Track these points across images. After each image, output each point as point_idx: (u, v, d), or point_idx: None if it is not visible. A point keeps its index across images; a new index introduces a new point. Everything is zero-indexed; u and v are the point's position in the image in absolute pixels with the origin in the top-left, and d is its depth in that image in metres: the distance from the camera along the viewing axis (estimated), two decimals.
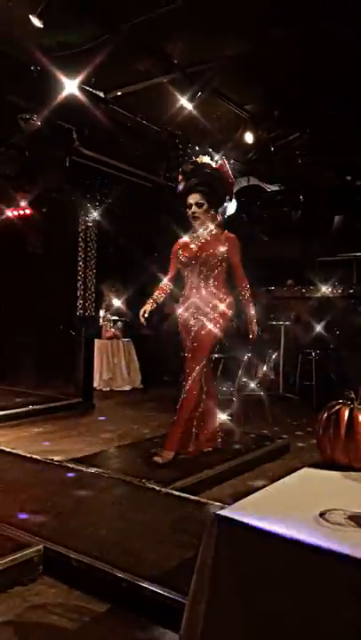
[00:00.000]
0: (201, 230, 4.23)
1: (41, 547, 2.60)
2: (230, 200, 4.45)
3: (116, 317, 9.24)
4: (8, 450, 4.47)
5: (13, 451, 4.43)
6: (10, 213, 7.91)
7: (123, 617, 2.27)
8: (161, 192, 6.94)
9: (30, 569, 2.54)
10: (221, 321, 4.19)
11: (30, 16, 3.24)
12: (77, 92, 4.28)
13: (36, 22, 3.29)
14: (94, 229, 7.08)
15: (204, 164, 4.16)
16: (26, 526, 2.84)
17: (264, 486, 1.71)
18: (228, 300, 4.23)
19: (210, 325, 4.16)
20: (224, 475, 4.04)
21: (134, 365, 8.87)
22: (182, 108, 4.78)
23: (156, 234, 8.84)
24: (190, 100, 4.66)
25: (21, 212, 7.95)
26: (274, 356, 7.80)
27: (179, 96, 4.58)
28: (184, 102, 4.66)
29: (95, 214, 7.01)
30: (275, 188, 7.78)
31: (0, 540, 2.70)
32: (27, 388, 7.50)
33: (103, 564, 2.44)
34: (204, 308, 4.17)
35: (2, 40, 3.71)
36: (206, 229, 4.22)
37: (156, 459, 4.07)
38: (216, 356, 6.69)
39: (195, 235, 4.28)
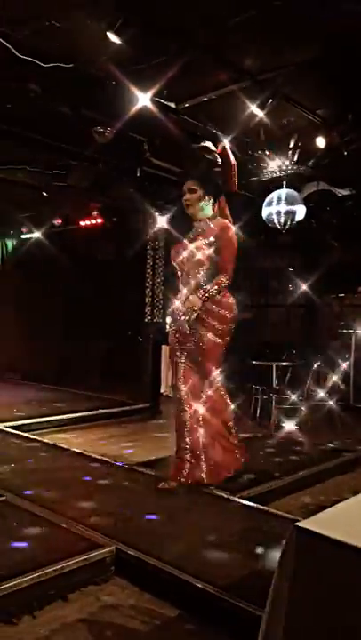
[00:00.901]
0: (196, 224, 3.80)
1: (113, 548, 2.66)
2: (230, 188, 3.80)
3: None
4: (79, 451, 4.60)
5: (85, 452, 4.56)
6: (82, 223, 8.20)
7: (193, 623, 2.28)
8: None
9: (103, 569, 2.60)
10: (219, 326, 3.70)
11: (108, 32, 3.37)
12: (150, 104, 4.38)
13: (114, 38, 3.41)
14: (162, 237, 7.20)
15: (203, 148, 3.74)
16: (98, 527, 2.92)
17: (335, 500, 1.68)
18: (223, 301, 3.71)
19: (209, 335, 3.69)
20: (293, 486, 3.97)
21: None
22: (252, 115, 4.78)
23: None
24: (261, 107, 4.65)
25: (93, 222, 8.22)
26: (344, 365, 7.57)
27: (249, 104, 4.58)
28: (254, 109, 4.65)
29: (164, 222, 7.12)
30: (345, 192, 7.59)
31: (74, 539, 2.79)
32: (96, 393, 7.71)
33: (173, 568, 2.47)
34: (199, 314, 3.64)
35: (79, 56, 3.87)
36: (202, 220, 3.77)
37: (161, 485, 3.65)
38: (284, 364, 6.64)
39: (190, 232, 3.85)
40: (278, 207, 6.51)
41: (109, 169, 6.00)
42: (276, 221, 6.60)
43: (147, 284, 7.18)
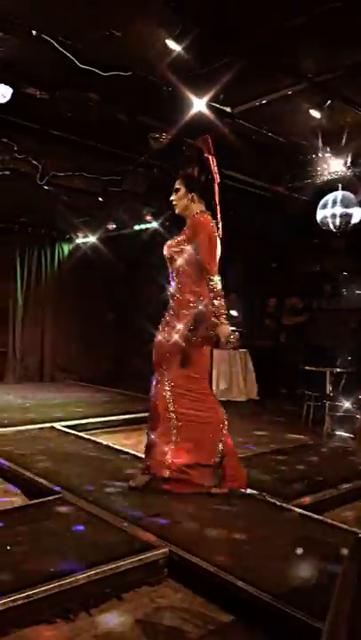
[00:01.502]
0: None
1: (166, 550, 2.68)
2: (208, 179, 3.60)
3: (233, 328, 9.26)
4: (132, 452, 4.67)
5: (137, 454, 4.61)
6: (136, 227, 8.32)
7: (246, 630, 2.27)
8: (282, 203, 6.89)
9: (156, 571, 2.63)
10: (184, 330, 3.51)
11: (167, 40, 3.42)
12: (205, 110, 4.40)
13: (173, 45, 3.45)
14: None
15: (187, 144, 3.68)
16: (152, 529, 2.95)
17: None
18: (193, 305, 3.53)
19: (174, 338, 3.53)
20: (348, 495, 3.87)
21: (251, 376, 8.83)
22: (309, 117, 4.72)
23: (275, 244, 8.79)
24: (318, 109, 4.58)
25: (147, 226, 8.33)
26: None
27: (306, 106, 4.53)
28: (311, 112, 4.60)
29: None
30: None
31: (127, 539, 2.83)
32: (146, 395, 7.77)
33: (227, 574, 2.46)
34: (171, 320, 3.58)
35: (137, 64, 3.94)
36: (188, 217, 3.64)
37: (213, 490, 3.58)
38: (338, 370, 6.49)
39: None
40: (333, 210, 6.38)
41: (164, 174, 6.07)
42: (330, 224, 6.47)
43: None
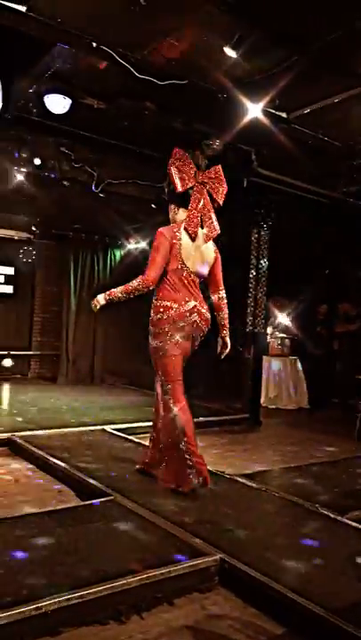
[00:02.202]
0: None
1: (218, 557, 2.66)
2: (171, 190, 3.78)
3: (284, 335, 9.17)
4: None
5: None
6: None
7: None
8: (337, 208, 6.76)
9: (207, 578, 2.61)
10: (151, 330, 3.79)
11: (224, 48, 3.44)
12: (261, 115, 4.38)
13: (230, 53, 3.47)
14: (266, 247, 7.14)
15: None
16: (203, 534, 2.94)
17: None
18: (153, 303, 3.80)
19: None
20: None
21: (301, 384, 8.70)
22: None
23: (327, 250, 8.62)
24: None
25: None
26: None
27: None
28: None
29: (267, 232, 7.07)
30: None
31: (179, 544, 2.83)
32: (197, 400, 7.78)
33: (281, 586, 2.42)
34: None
35: (193, 72, 3.97)
36: None
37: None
38: None
39: None
40: None
41: None
42: None
43: (249, 294, 7.15)
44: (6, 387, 9.07)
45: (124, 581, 2.38)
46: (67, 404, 7.41)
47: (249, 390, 7.03)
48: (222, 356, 4.08)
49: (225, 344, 4.07)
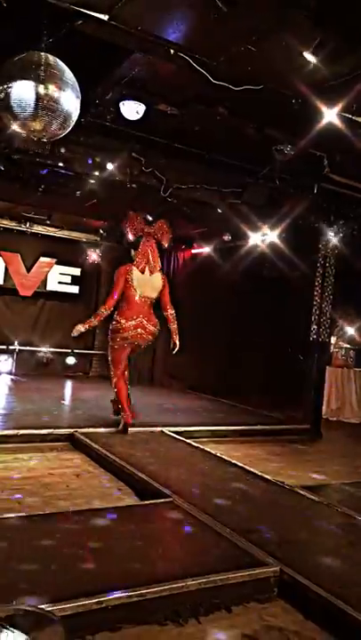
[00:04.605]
0: None
1: (278, 568, 2.62)
2: (127, 239, 5.59)
3: (348, 345, 8.91)
4: (240, 465, 4.64)
5: (246, 467, 4.58)
6: (252, 239, 8.29)
7: None
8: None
9: (266, 588, 2.57)
10: (109, 335, 5.65)
11: (304, 53, 3.39)
12: (336, 121, 4.29)
13: (310, 58, 3.42)
14: (334, 255, 6.97)
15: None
16: (263, 544, 2.90)
17: None
18: (113, 319, 5.53)
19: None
20: None
21: None
22: None
23: None
24: None
25: (262, 238, 8.26)
26: None
27: None
28: None
29: (336, 240, 6.90)
30: None
31: (238, 552, 2.81)
32: (256, 408, 7.71)
33: (342, 602, 2.35)
34: None
35: (270, 78, 3.94)
36: None
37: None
38: None
39: None
40: None
41: (285, 186, 6.01)
42: None
43: (315, 303, 7.00)
44: (69, 384, 9.34)
45: (183, 584, 2.38)
46: None
47: (311, 401, 6.87)
48: (173, 352, 5.82)
49: (175, 344, 5.78)
